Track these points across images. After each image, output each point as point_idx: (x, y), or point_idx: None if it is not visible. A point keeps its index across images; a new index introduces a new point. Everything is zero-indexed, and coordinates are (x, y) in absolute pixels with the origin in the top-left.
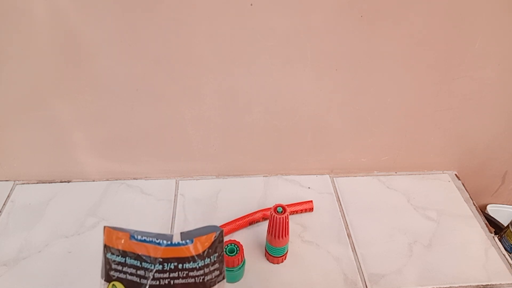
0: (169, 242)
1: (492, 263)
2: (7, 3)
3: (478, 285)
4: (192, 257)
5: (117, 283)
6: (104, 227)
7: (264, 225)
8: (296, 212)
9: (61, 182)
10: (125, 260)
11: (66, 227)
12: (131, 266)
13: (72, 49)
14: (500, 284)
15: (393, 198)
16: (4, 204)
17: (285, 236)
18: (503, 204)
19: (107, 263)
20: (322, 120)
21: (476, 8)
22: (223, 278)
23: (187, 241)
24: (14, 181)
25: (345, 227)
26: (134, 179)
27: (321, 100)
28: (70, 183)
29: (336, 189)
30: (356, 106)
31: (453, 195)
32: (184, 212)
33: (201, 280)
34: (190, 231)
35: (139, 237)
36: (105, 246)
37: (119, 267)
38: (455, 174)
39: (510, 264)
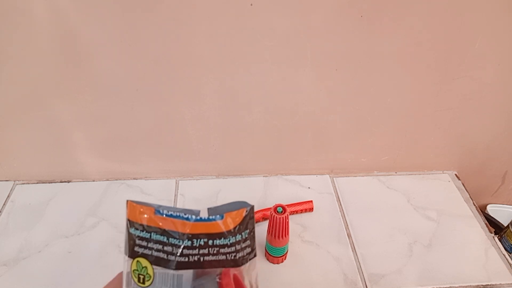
0: (198, 217)
1: (492, 263)
2: (7, 3)
3: (478, 285)
4: (223, 233)
5: (142, 259)
6: (127, 201)
7: (264, 225)
8: (296, 212)
9: (61, 182)
10: (150, 236)
11: (66, 227)
12: (157, 242)
13: (72, 49)
14: (500, 284)
15: (393, 198)
16: (4, 204)
17: (285, 236)
18: (503, 204)
19: (130, 238)
20: (322, 120)
21: (476, 8)
22: (255, 256)
23: (217, 216)
24: (14, 181)
25: (345, 227)
26: (134, 179)
27: (321, 100)
28: (70, 183)
29: (336, 189)
30: (356, 106)
31: (453, 195)
32: None
33: (232, 257)
34: (218, 206)
35: (165, 212)
36: (128, 221)
37: (144, 243)
38: (455, 174)
39: (510, 264)
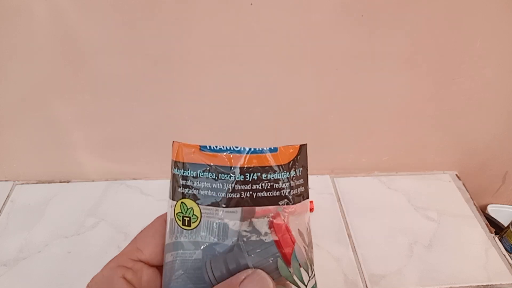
0: (251, 149)
1: (492, 263)
2: (7, 3)
3: (478, 285)
4: (278, 166)
5: (187, 201)
6: (173, 142)
7: None
8: None
9: (60, 182)
10: (197, 174)
11: (65, 227)
12: (204, 179)
13: (72, 49)
14: (501, 284)
15: (394, 199)
16: (3, 204)
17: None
18: (503, 204)
19: (174, 180)
20: (322, 120)
21: (477, 8)
22: (308, 197)
23: (272, 148)
24: (14, 181)
25: (345, 228)
26: (133, 179)
27: (321, 100)
28: (69, 183)
29: (336, 189)
30: (356, 106)
31: (453, 195)
32: None
33: (286, 194)
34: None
35: (212, 147)
36: (173, 162)
37: (190, 183)
38: (456, 175)
39: (510, 264)
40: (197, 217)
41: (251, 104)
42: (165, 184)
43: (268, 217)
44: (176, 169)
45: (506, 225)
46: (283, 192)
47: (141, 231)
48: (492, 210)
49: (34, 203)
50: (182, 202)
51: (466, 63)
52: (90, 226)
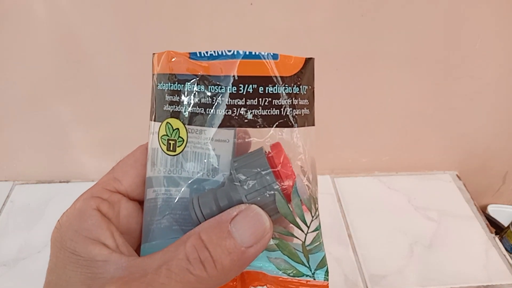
0: (247, 53)
1: (492, 263)
2: (7, 3)
3: (478, 286)
4: (278, 77)
5: (173, 120)
6: (153, 54)
7: None
8: None
9: (60, 182)
10: (184, 87)
11: None
12: (192, 93)
13: (72, 49)
14: (501, 284)
15: (394, 199)
16: (3, 204)
17: None
18: (504, 205)
19: (159, 98)
20: (322, 120)
21: (477, 8)
22: (314, 124)
23: (271, 54)
24: (13, 181)
25: (345, 228)
26: None
27: (321, 100)
28: (69, 183)
29: (336, 189)
30: (357, 106)
31: (454, 196)
32: None
33: (287, 113)
34: None
35: (203, 54)
36: (156, 76)
37: (176, 98)
38: (456, 175)
39: (510, 265)
40: (183, 140)
41: None
42: None
43: (264, 152)
44: (161, 84)
45: (506, 225)
46: (284, 110)
47: (120, 160)
48: (492, 210)
49: (34, 203)
50: (167, 123)
51: (466, 63)
52: None
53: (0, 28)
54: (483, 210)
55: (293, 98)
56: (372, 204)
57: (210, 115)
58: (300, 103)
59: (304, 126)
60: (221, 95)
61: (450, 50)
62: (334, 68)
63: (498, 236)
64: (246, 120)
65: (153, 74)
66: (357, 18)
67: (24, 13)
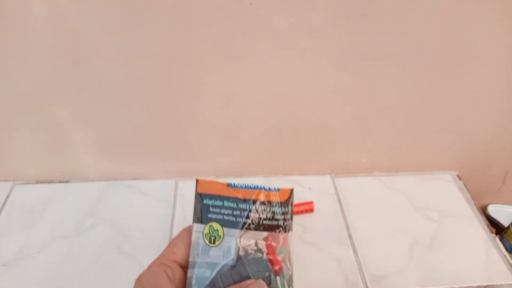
0: (262, 186)
1: (493, 263)
2: (7, 3)
3: (478, 286)
4: (279, 202)
5: (214, 224)
6: (197, 180)
7: None
8: (297, 213)
9: (60, 182)
10: (223, 203)
11: (65, 228)
12: (228, 208)
13: (72, 49)
14: (501, 284)
15: (394, 199)
16: (3, 204)
17: None
18: (504, 205)
19: (204, 209)
20: (322, 120)
21: (477, 8)
22: (292, 230)
23: (275, 188)
24: (13, 181)
25: (346, 228)
26: (133, 179)
27: (321, 100)
28: (69, 183)
29: (337, 189)
30: (357, 106)
31: (454, 196)
32: (184, 213)
33: (282, 224)
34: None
35: (237, 184)
36: (200, 195)
37: (217, 210)
38: (457, 175)
39: (510, 265)
40: (221, 237)
41: (251, 104)
42: (165, 184)
43: (266, 241)
44: (206, 199)
45: (506, 225)
46: (280, 222)
47: (173, 238)
48: (492, 210)
49: (34, 203)
50: (210, 225)
51: (466, 63)
52: (89, 226)
53: (0, 28)
54: (483, 210)
55: (286, 215)
56: (372, 204)
57: (238, 222)
58: (288, 217)
59: (289, 231)
60: (246, 210)
61: (450, 50)
62: (334, 68)
63: (498, 236)
64: (258, 226)
65: (198, 193)
66: (357, 18)
67: (24, 13)
